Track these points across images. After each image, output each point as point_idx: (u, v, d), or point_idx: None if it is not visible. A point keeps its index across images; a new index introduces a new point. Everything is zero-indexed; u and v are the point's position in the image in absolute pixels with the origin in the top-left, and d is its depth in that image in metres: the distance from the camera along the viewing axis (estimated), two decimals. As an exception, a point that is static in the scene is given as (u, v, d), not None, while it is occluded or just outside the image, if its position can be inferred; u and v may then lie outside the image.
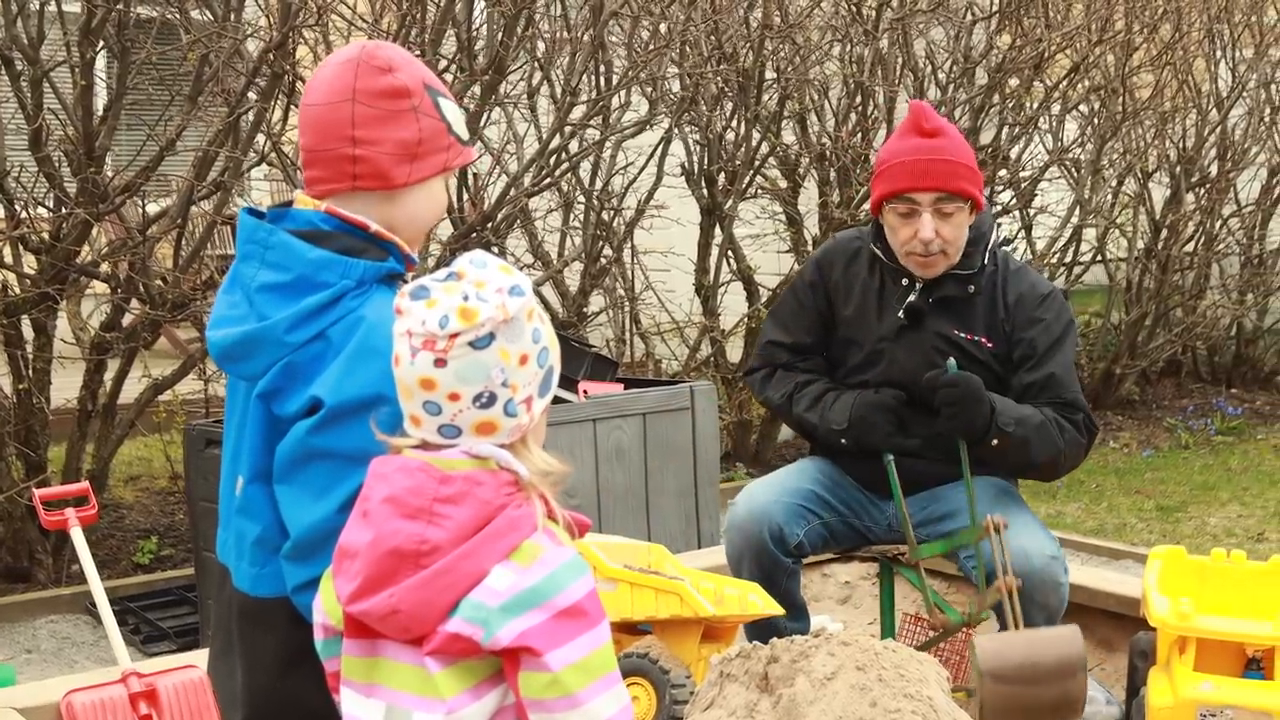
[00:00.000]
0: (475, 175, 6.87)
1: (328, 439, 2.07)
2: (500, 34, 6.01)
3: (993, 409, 3.38)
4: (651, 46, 6.88)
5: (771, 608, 3.51)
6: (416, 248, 2.28)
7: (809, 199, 8.05)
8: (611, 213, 7.31)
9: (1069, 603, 3.59)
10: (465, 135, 2.27)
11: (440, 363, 1.82)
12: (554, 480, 1.90)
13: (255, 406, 2.18)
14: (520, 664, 1.81)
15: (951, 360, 3.43)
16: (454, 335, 1.82)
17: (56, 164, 5.37)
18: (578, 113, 6.65)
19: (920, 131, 3.47)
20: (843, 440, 3.60)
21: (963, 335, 3.56)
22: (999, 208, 8.34)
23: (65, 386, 5.79)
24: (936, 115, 3.53)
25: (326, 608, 1.97)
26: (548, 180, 6.61)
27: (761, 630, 3.55)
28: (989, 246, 3.60)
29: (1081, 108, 8.85)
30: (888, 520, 3.72)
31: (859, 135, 7.75)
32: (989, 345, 3.56)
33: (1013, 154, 8.46)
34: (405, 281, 2.13)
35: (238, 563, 2.24)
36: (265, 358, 2.13)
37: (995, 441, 3.42)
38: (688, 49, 7.12)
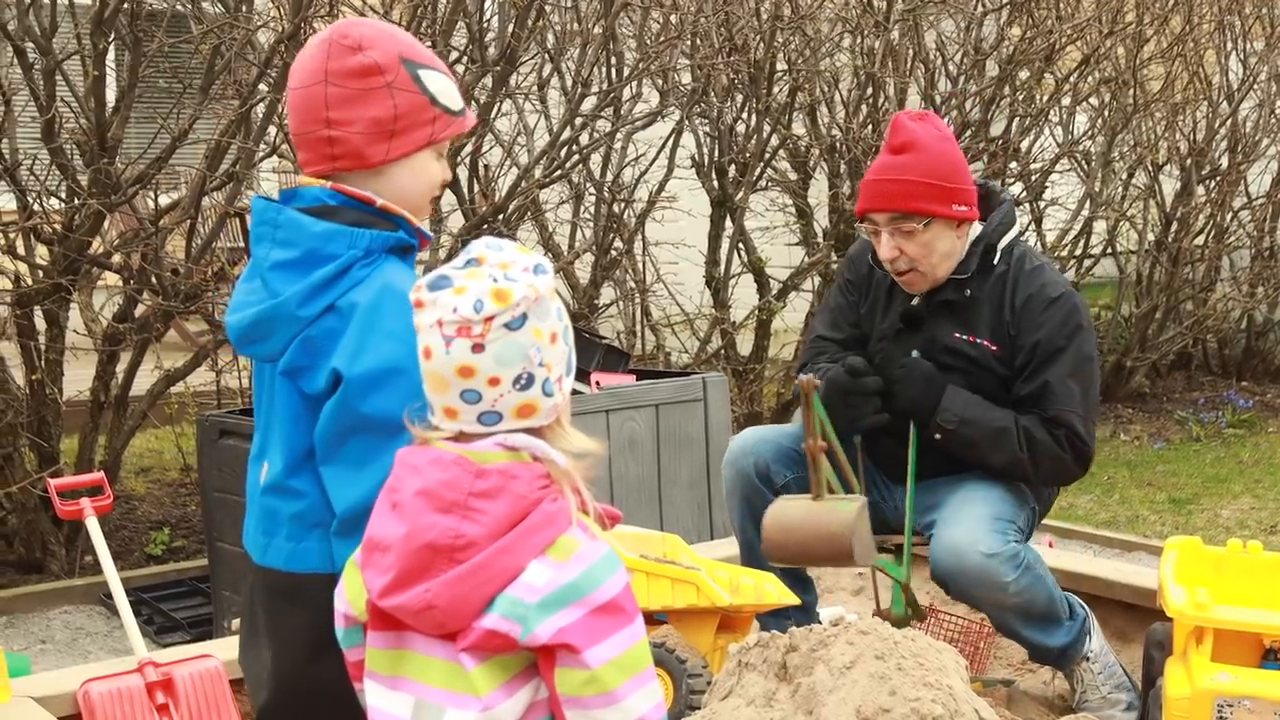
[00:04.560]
0: (486, 167, 6.87)
1: (356, 411, 2.07)
2: (511, 25, 6.01)
3: (939, 399, 3.43)
4: (662, 38, 6.87)
5: (787, 597, 3.52)
6: (422, 221, 2.28)
7: (819, 191, 8.04)
8: (622, 205, 7.30)
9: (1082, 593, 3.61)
10: (455, 105, 2.24)
11: (478, 348, 1.80)
12: (589, 464, 1.88)
13: (282, 386, 2.18)
14: (557, 660, 1.80)
15: (915, 352, 3.51)
16: (489, 318, 1.79)
17: (69, 155, 5.36)
18: (588, 104, 6.65)
19: (890, 148, 3.50)
20: None
21: (963, 338, 3.54)
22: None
23: (77, 378, 5.80)
24: (910, 128, 3.48)
25: (350, 597, 1.96)
26: (558, 172, 6.60)
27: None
28: (991, 248, 3.55)
29: (1092, 100, 8.83)
30: (895, 503, 3.74)
31: (869, 127, 7.73)
32: (993, 349, 3.52)
33: (1023, 146, 8.44)
34: (418, 257, 2.12)
35: (269, 540, 2.23)
36: (282, 335, 2.14)
37: (937, 436, 3.47)
38: (698, 41, 7.11)
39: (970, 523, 3.42)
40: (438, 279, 1.84)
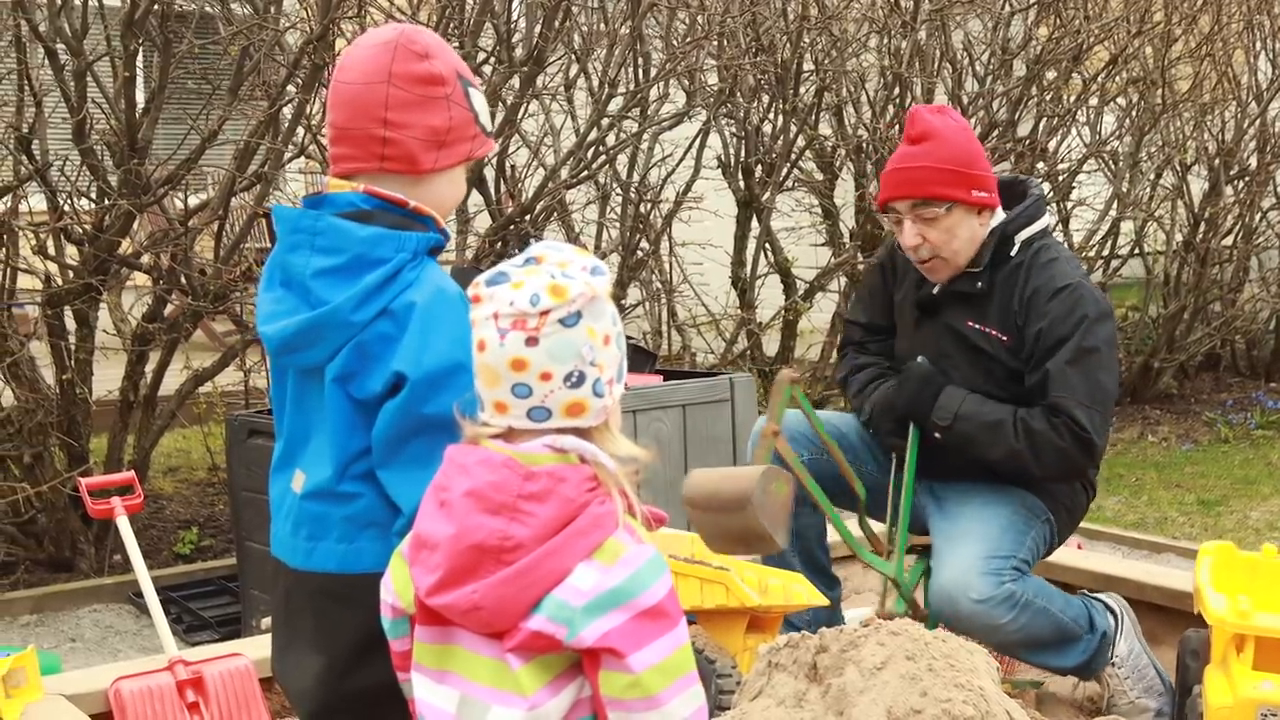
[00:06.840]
0: (513, 168, 6.88)
1: (420, 413, 2.08)
2: (538, 26, 6.02)
3: (935, 399, 3.48)
4: (689, 39, 6.87)
5: (816, 598, 3.51)
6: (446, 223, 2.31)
7: (846, 191, 8.03)
8: (648, 205, 7.30)
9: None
10: (489, 126, 2.30)
11: (532, 341, 1.81)
12: (635, 468, 1.88)
13: (333, 392, 2.17)
14: (601, 663, 1.81)
15: (921, 358, 3.58)
16: (545, 312, 1.81)
17: (99, 156, 5.39)
18: (615, 105, 6.65)
19: (908, 139, 3.53)
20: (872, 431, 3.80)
21: (976, 327, 3.55)
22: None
23: (107, 378, 5.83)
24: (927, 119, 3.51)
25: (397, 589, 1.97)
26: (585, 173, 6.61)
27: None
28: (1008, 239, 3.53)
29: (1120, 100, 8.80)
30: (923, 503, 3.73)
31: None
32: (1004, 339, 3.51)
33: (1050, 146, 8.41)
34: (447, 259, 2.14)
35: (315, 544, 2.23)
36: (332, 342, 2.14)
37: (936, 435, 3.52)
38: (725, 41, 7.11)
39: (963, 564, 3.41)
40: (496, 275, 1.86)
